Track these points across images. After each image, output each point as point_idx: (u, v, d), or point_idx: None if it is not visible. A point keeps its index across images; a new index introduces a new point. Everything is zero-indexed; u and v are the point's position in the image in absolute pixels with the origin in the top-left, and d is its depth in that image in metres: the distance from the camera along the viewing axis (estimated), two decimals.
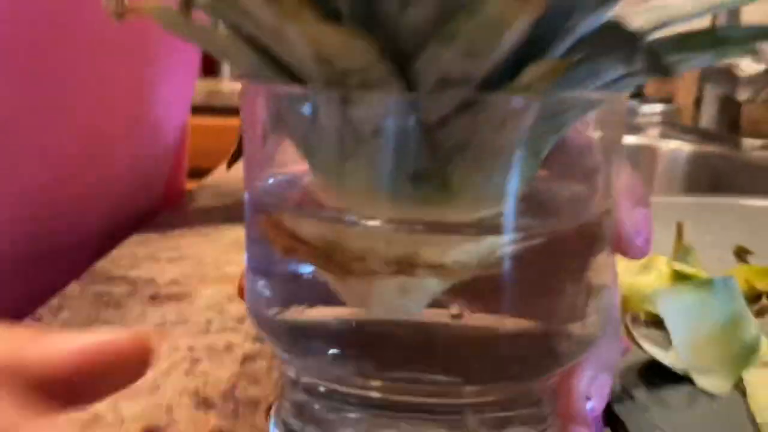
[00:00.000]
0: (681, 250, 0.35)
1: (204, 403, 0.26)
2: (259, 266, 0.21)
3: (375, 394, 0.19)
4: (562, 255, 0.20)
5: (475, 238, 0.18)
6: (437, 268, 0.18)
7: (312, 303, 0.20)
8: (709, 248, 0.38)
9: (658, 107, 1.05)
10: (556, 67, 0.15)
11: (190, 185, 0.65)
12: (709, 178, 0.81)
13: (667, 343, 0.28)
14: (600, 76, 0.18)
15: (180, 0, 0.15)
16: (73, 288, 0.37)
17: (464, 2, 0.13)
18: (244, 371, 0.28)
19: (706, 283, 0.29)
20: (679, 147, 0.86)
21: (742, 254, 0.39)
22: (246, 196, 0.21)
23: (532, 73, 0.15)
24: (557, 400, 0.22)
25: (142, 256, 0.43)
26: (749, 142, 0.81)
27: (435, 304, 0.18)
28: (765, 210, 0.56)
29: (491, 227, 0.18)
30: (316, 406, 0.21)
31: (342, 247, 0.18)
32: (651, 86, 1.15)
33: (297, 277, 0.20)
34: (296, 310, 0.20)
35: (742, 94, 0.80)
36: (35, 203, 0.42)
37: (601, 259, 0.20)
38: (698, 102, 0.91)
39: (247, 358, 0.29)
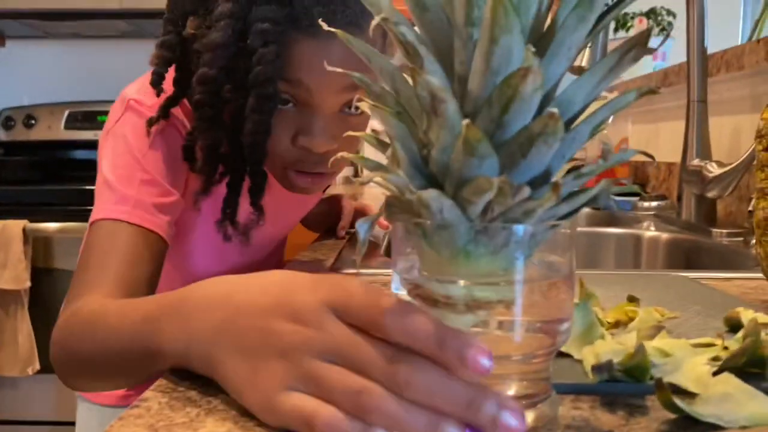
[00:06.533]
0: (584, 295, 0.49)
1: None
2: None
3: None
4: (547, 295, 0.34)
5: (496, 287, 0.33)
6: (471, 305, 0.33)
7: None
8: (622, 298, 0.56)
9: (654, 203, 1.22)
10: (543, 201, 0.32)
11: None
12: (684, 259, 0.94)
13: None
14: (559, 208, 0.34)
15: (382, 209, 0.34)
16: None
17: (467, 177, 0.31)
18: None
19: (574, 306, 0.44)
20: (658, 235, 1.00)
21: (631, 299, 0.55)
22: (393, 272, 0.36)
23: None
24: None
25: None
26: (717, 231, 0.95)
27: None
28: (688, 279, 0.71)
29: (505, 281, 0.33)
30: None
31: (431, 292, 0.33)
32: (649, 187, 1.32)
33: None
34: None
35: (711, 192, 0.93)
36: None
37: (569, 295, 0.35)
38: (680, 198, 1.05)
39: None
